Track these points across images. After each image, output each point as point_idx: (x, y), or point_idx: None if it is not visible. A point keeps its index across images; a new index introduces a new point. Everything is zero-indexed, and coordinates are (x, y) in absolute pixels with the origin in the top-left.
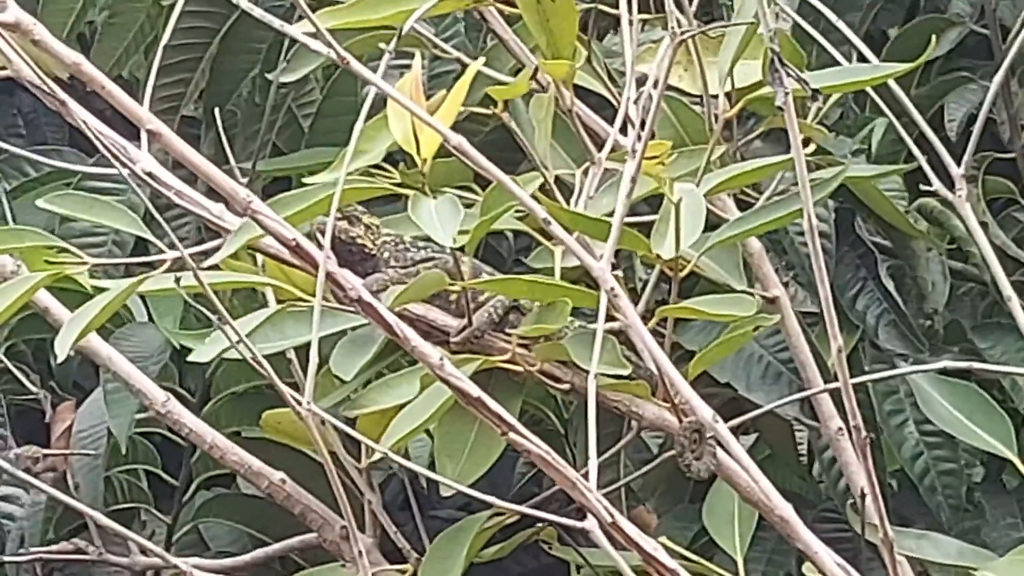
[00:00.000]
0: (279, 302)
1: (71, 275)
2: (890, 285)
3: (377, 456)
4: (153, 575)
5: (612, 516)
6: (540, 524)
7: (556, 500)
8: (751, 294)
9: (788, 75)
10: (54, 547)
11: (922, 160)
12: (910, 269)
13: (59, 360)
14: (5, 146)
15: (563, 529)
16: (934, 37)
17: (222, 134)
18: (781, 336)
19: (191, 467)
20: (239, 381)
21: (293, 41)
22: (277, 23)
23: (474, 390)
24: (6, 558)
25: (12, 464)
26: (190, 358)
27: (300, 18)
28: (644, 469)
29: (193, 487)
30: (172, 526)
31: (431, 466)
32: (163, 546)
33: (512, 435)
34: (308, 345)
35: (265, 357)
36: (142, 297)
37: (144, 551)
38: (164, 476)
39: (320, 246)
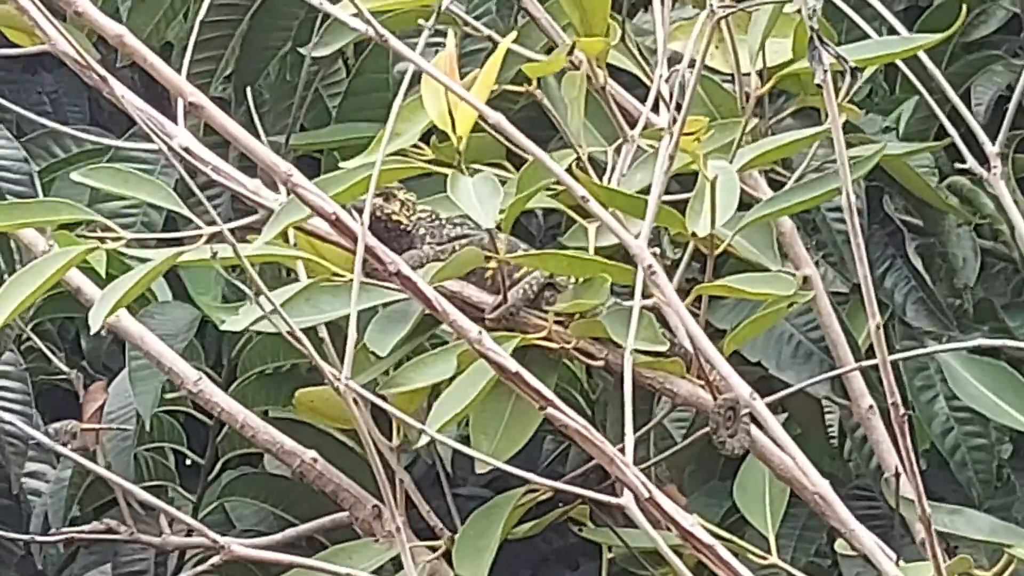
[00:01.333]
0: (310, 278)
1: (107, 248)
2: (918, 263)
3: (410, 429)
4: (177, 555)
5: (649, 491)
6: (573, 502)
7: (585, 479)
8: (789, 274)
9: (827, 52)
10: (85, 527)
11: (956, 137)
12: (940, 246)
13: (92, 332)
14: (43, 121)
15: (596, 507)
16: (964, 9)
17: (253, 110)
18: (812, 315)
19: (217, 446)
20: (266, 360)
21: (325, 17)
22: (315, 0)
23: (513, 365)
24: (38, 538)
25: (51, 438)
26: (223, 327)
27: None
28: (677, 447)
29: (219, 466)
30: (198, 505)
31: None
32: (189, 530)
33: (550, 410)
34: (340, 322)
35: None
36: (166, 276)
37: (173, 528)
38: (190, 455)
39: (358, 220)
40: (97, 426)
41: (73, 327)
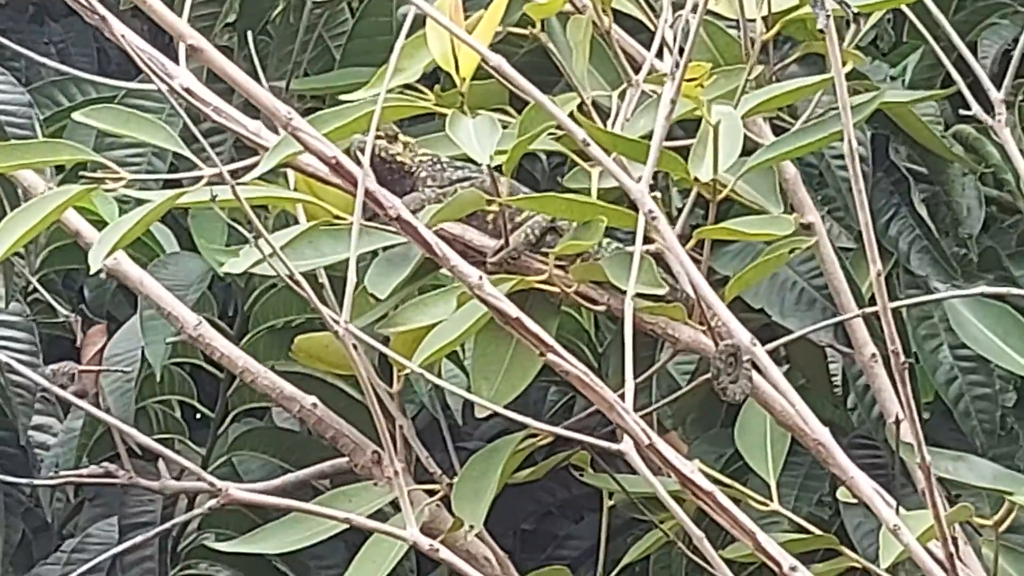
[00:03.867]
0: (310, 221)
1: (108, 188)
2: (923, 211)
3: (407, 372)
4: (187, 500)
5: (649, 438)
6: (574, 448)
7: (587, 427)
8: (787, 217)
9: None
10: (83, 471)
11: (962, 85)
12: (945, 194)
13: (91, 273)
14: (47, 62)
15: (596, 454)
16: None
17: (254, 54)
18: (815, 262)
19: (226, 399)
20: (278, 315)
21: None
22: None
23: (513, 310)
24: (37, 481)
25: (48, 380)
26: (222, 270)
27: None
28: (678, 393)
29: (228, 419)
30: (206, 458)
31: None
32: (196, 478)
33: (550, 355)
34: (340, 266)
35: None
36: (176, 229)
37: (180, 475)
38: (199, 407)
39: (359, 163)
40: (96, 368)
41: (79, 278)
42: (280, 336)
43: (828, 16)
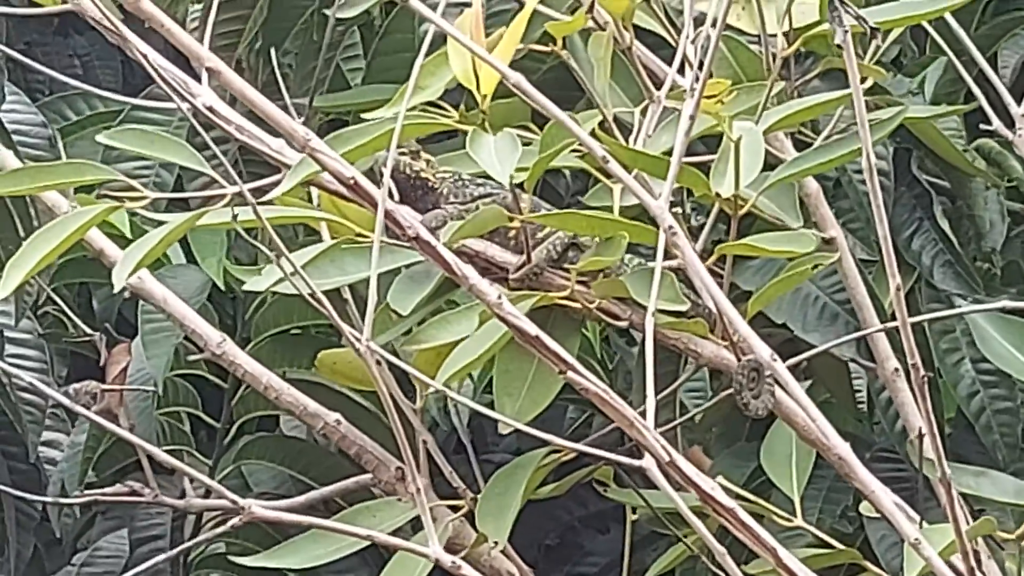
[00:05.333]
0: (333, 239)
1: (128, 207)
2: (945, 225)
3: (431, 391)
4: (194, 519)
5: (670, 455)
6: (596, 464)
7: (609, 443)
8: (810, 233)
9: (847, 13)
10: (108, 489)
11: (982, 100)
12: (967, 208)
13: (115, 291)
14: (62, 77)
15: (621, 471)
16: None
17: (276, 72)
18: (837, 277)
19: (232, 409)
20: (280, 322)
21: None
22: None
23: (532, 329)
24: (61, 500)
25: (71, 399)
26: (244, 288)
27: None
28: (700, 408)
29: (235, 429)
30: (214, 468)
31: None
32: (204, 488)
33: (571, 374)
34: (362, 283)
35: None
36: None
37: (207, 492)
38: (205, 418)
39: (382, 180)
40: (118, 387)
41: (90, 291)
42: (287, 343)
43: (846, 32)
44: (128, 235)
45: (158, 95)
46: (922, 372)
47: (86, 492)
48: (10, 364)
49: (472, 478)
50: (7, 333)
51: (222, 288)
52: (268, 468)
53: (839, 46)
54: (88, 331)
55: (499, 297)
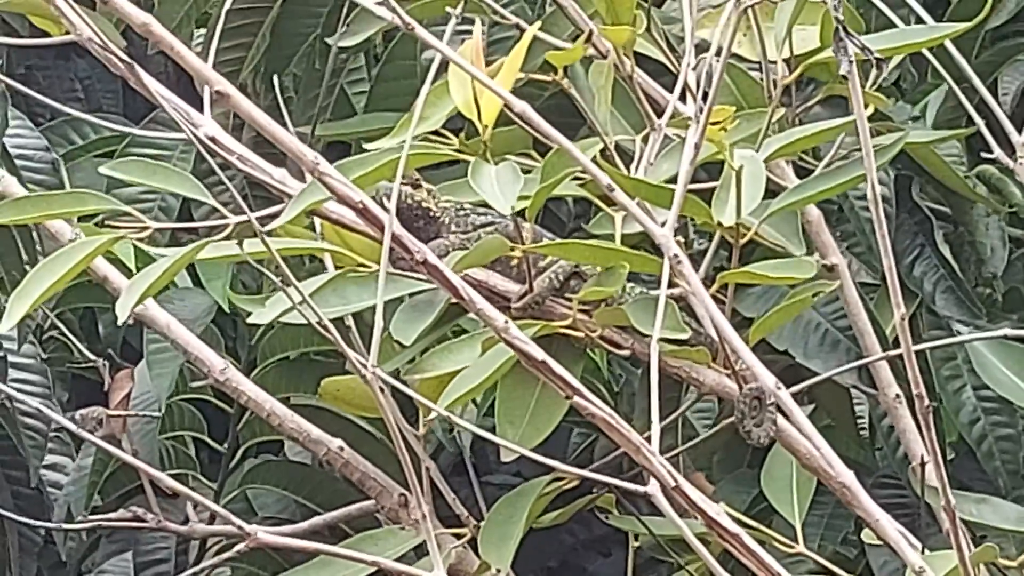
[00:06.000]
0: (337, 268)
1: (132, 239)
2: (947, 251)
3: (433, 417)
4: (198, 543)
5: (675, 480)
6: (599, 490)
7: (610, 469)
8: (811, 260)
9: (852, 43)
10: (112, 515)
11: (982, 126)
12: (968, 235)
13: (120, 321)
14: (62, 107)
15: (622, 496)
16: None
17: (280, 98)
18: (839, 304)
19: (238, 434)
20: (286, 348)
21: (354, 5)
22: None
23: (539, 353)
24: (64, 526)
25: (77, 424)
26: (250, 320)
27: None
28: (703, 436)
29: (240, 453)
30: (219, 493)
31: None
32: (209, 514)
33: (577, 398)
34: (365, 311)
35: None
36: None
37: (211, 517)
38: (211, 443)
39: (386, 209)
40: (123, 413)
41: (94, 315)
42: (291, 368)
43: (851, 62)
44: (132, 265)
45: (161, 119)
46: (927, 402)
47: (90, 517)
48: (13, 389)
49: (474, 499)
50: (10, 358)
51: (227, 312)
52: (273, 493)
53: (844, 77)
54: (91, 356)
55: (506, 322)
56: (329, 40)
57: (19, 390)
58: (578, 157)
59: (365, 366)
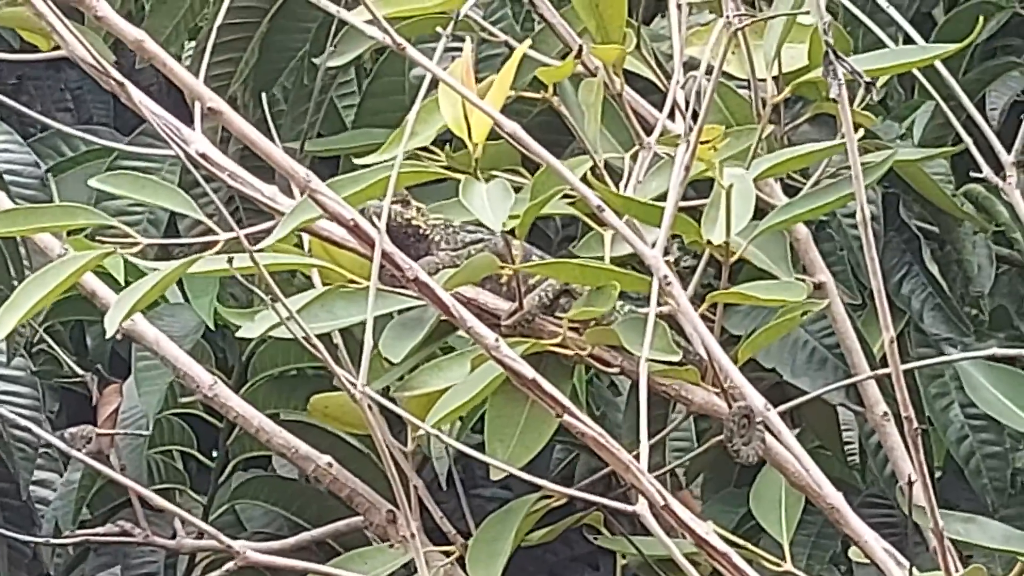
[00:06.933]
0: (325, 285)
1: (122, 254)
2: (934, 269)
3: (421, 433)
4: (187, 558)
5: (664, 499)
6: (588, 509)
7: (598, 486)
8: (800, 280)
9: (842, 66)
10: (99, 529)
11: (971, 144)
12: (956, 253)
13: (108, 336)
14: (48, 121)
15: (610, 514)
16: (981, 19)
17: (268, 114)
18: (827, 321)
19: (227, 448)
20: (277, 363)
21: (343, 23)
22: (332, 8)
23: (529, 372)
24: (52, 540)
25: (67, 443)
26: (238, 334)
27: (353, 2)
28: (691, 454)
29: (229, 468)
30: (208, 507)
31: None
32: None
33: (567, 417)
34: (355, 328)
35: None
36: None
37: (199, 532)
38: (200, 457)
39: (376, 227)
40: (112, 431)
41: (83, 329)
42: (282, 384)
43: (841, 84)
44: (121, 278)
45: (151, 131)
46: (915, 424)
47: (78, 532)
48: (2, 401)
49: (461, 514)
50: None
51: (212, 330)
52: (261, 507)
53: (832, 100)
54: (79, 371)
55: (496, 340)
56: (316, 60)
57: (9, 403)
58: (567, 177)
59: (354, 384)
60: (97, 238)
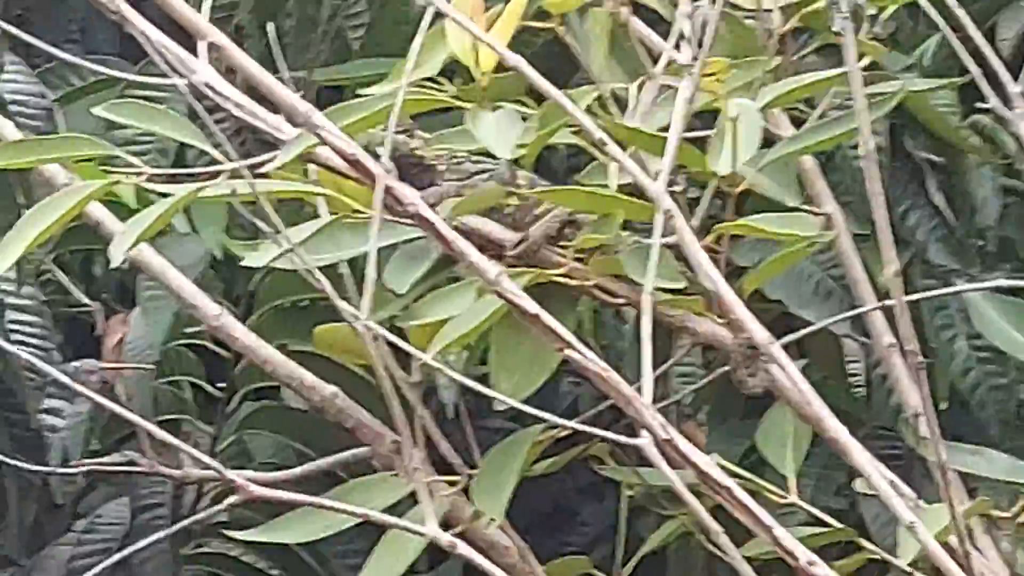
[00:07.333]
0: (332, 214)
1: (128, 184)
2: (940, 201)
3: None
4: (196, 487)
5: (667, 432)
6: (593, 440)
7: (604, 417)
8: (809, 212)
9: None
10: (105, 459)
11: (978, 76)
12: (962, 184)
13: (113, 266)
14: (56, 52)
15: (616, 446)
16: None
17: (273, 45)
18: (832, 253)
19: (234, 379)
20: (284, 294)
21: None
22: None
23: (532, 306)
24: (58, 470)
25: (71, 378)
26: (243, 263)
27: None
28: (695, 386)
29: (237, 399)
30: (216, 437)
31: (478, 382)
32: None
33: (569, 351)
34: (360, 259)
35: (318, 269)
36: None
37: (193, 461)
38: (208, 387)
39: (378, 158)
40: (117, 365)
41: (93, 258)
42: (289, 315)
43: (845, 18)
44: (133, 204)
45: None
46: (919, 359)
47: (84, 462)
48: (10, 330)
49: (467, 445)
50: (8, 300)
51: (220, 259)
52: (269, 438)
53: (836, 33)
54: (86, 301)
55: (499, 273)
56: None
57: (17, 331)
58: (572, 111)
59: (357, 316)
60: (103, 168)
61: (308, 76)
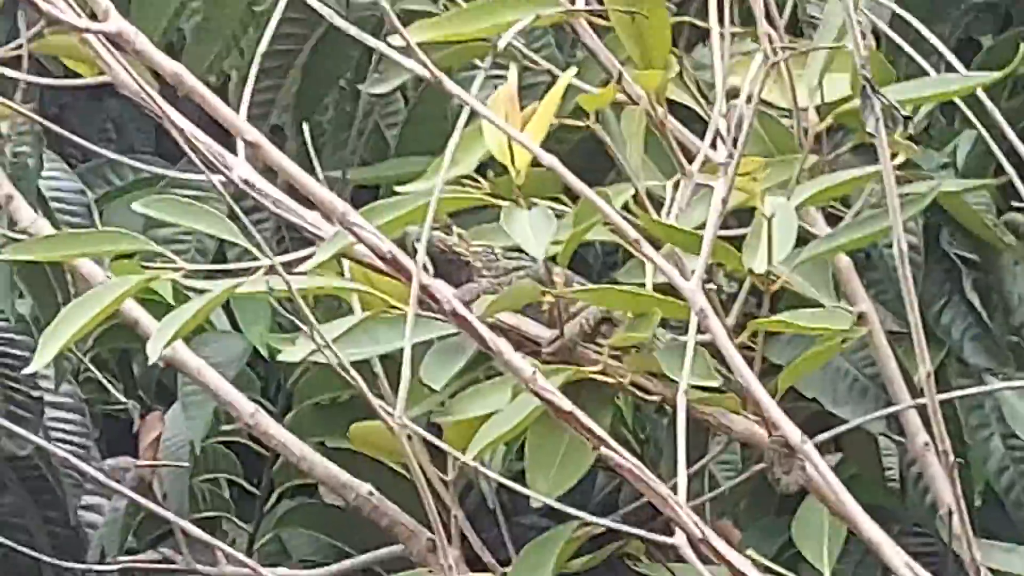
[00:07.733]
0: (364, 311)
1: (165, 280)
2: (975, 299)
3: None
4: None
5: (702, 531)
6: (627, 538)
7: (639, 513)
8: (844, 309)
9: (879, 99)
10: (141, 556)
11: (1013, 174)
12: (997, 283)
13: (150, 363)
14: (97, 149)
15: (649, 544)
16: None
17: (309, 143)
18: (867, 351)
19: (272, 476)
20: (322, 391)
21: None
22: (370, 40)
23: (566, 404)
24: (95, 567)
25: (105, 475)
26: (279, 358)
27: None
28: (731, 483)
29: (275, 496)
30: (253, 535)
31: (514, 477)
32: (245, 555)
33: (604, 449)
34: (394, 355)
35: (352, 365)
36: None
37: (229, 559)
38: (246, 485)
39: (415, 254)
40: (152, 463)
41: (131, 357)
42: (326, 412)
43: (878, 120)
44: (170, 301)
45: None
46: (952, 458)
47: (120, 559)
48: (50, 428)
49: (502, 542)
50: (47, 397)
51: (265, 357)
52: (306, 535)
53: (870, 134)
54: (122, 399)
55: (534, 372)
56: (360, 86)
57: (57, 429)
58: (605, 210)
59: (392, 414)
60: (143, 266)
61: (343, 175)
